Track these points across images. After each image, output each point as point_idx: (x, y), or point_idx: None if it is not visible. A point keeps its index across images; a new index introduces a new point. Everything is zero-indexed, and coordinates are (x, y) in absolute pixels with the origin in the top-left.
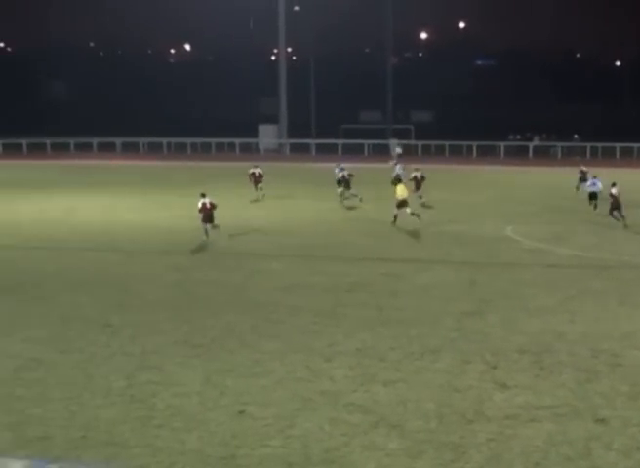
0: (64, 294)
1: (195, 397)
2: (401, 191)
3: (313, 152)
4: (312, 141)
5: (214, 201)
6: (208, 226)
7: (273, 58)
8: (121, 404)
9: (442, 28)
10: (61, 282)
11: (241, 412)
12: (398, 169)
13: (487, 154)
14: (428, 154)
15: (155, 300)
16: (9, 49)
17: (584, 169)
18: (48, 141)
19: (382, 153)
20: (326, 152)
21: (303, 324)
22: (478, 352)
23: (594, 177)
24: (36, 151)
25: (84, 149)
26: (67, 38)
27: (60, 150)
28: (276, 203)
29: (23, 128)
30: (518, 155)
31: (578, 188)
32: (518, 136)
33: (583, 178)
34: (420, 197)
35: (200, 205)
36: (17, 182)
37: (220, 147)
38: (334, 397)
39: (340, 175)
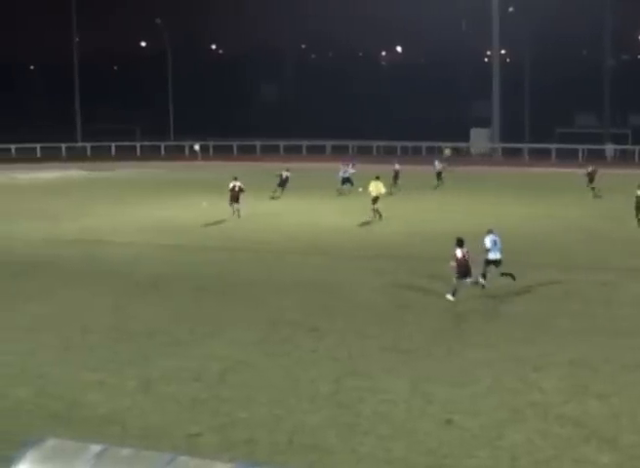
0: (272, 297)
1: (402, 404)
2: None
3: (526, 157)
4: (525, 146)
5: (243, 185)
6: (235, 206)
7: (486, 60)
8: (327, 409)
9: None
10: (269, 285)
11: (448, 422)
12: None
13: None
14: None
15: (361, 304)
16: (220, 51)
17: None
18: (258, 143)
19: (595, 157)
20: (540, 157)
21: (513, 332)
22: None
23: None
24: (246, 153)
25: (293, 151)
26: (278, 40)
27: (270, 152)
28: (481, 208)
29: (235, 130)
30: None
31: None
32: None
33: None
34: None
35: (231, 186)
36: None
37: (431, 151)
38: (544, 408)
39: (346, 174)
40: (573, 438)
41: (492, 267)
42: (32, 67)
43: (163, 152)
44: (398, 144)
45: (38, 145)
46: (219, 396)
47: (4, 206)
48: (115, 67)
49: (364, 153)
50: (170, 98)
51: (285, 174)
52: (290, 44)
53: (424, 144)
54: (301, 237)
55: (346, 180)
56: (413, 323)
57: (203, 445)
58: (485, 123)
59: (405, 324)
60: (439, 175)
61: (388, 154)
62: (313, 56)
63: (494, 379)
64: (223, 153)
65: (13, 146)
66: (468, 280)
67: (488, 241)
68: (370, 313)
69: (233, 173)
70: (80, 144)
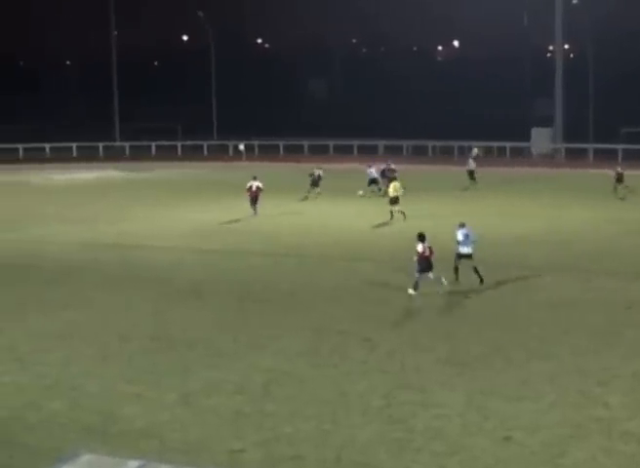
0: (319, 305)
1: (457, 419)
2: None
3: (591, 158)
4: (590, 146)
5: (261, 185)
6: (254, 206)
7: (549, 55)
8: (378, 424)
9: None
10: (315, 292)
11: (506, 438)
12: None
13: None
14: None
15: (414, 313)
16: (266, 45)
17: None
18: (306, 143)
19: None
20: (605, 158)
21: (576, 344)
22: None
23: None
24: (293, 153)
25: (343, 151)
26: (328, 34)
27: (319, 153)
28: (539, 211)
29: (282, 129)
30: None
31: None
32: None
33: None
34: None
35: (248, 186)
36: (273, 186)
37: (489, 151)
38: (608, 424)
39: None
40: (637, 455)
41: (463, 261)
42: (68, 63)
43: (206, 152)
44: (455, 144)
45: (74, 144)
46: (262, 409)
47: (39, 208)
48: (155, 63)
49: (419, 154)
50: (213, 95)
51: (317, 172)
52: (340, 38)
53: (483, 144)
54: (348, 241)
55: (373, 182)
56: (469, 333)
57: (246, 461)
58: (547, 122)
59: (461, 334)
60: (471, 173)
61: (444, 154)
62: (364, 50)
63: (555, 393)
64: (269, 153)
65: (47, 145)
66: (430, 275)
67: (460, 235)
68: (423, 322)
69: (277, 173)
70: (118, 144)
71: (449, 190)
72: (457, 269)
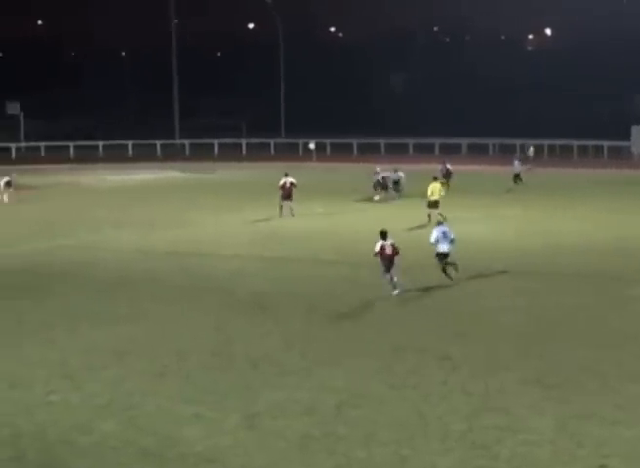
0: (396, 320)
1: (547, 446)
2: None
3: None
4: None
5: (294, 181)
6: (286, 203)
7: None
8: (460, 450)
9: None
10: (392, 305)
11: (602, 467)
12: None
13: None
14: None
15: (500, 329)
16: (340, 35)
17: None
18: (382, 142)
19: None
20: None
21: None
22: None
23: None
24: (368, 153)
25: (424, 151)
26: (406, 22)
27: (396, 152)
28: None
29: (356, 126)
30: None
31: None
32: None
33: None
34: None
35: (281, 183)
36: (341, 188)
37: (582, 151)
38: None
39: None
40: None
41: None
42: (123, 53)
43: (272, 151)
44: (546, 143)
45: (129, 143)
46: (334, 433)
47: (91, 212)
48: (218, 53)
49: (507, 152)
50: (282, 89)
51: (393, 175)
52: (420, 26)
53: (575, 143)
54: (428, 248)
55: (379, 185)
56: (559, 351)
57: None
58: None
59: (550, 353)
60: (517, 176)
61: (538, 155)
62: (447, 39)
63: None
64: (342, 152)
65: (100, 143)
66: (388, 276)
67: (436, 233)
68: (509, 340)
69: (350, 174)
70: (178, 142)
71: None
72: (444, 270)
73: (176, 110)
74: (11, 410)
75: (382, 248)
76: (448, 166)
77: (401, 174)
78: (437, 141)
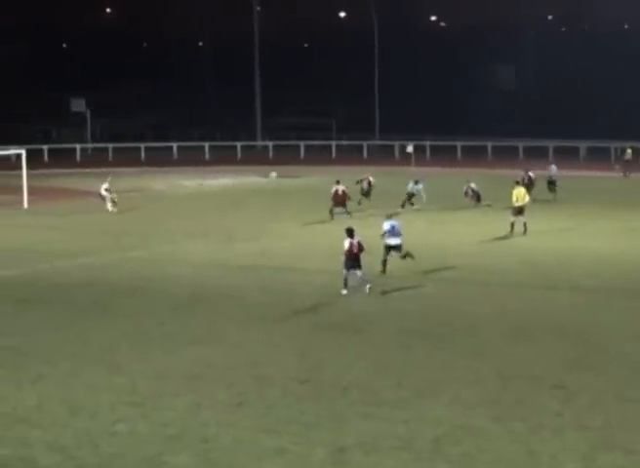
0: (504, 345)
1: None
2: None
3: None
4: None
5: (347, 189)
6: (338, 209)
7: None
8: None
9: None
10: (501, 328)
11: None
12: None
13: None
14: None
15: (622, 356)
16: (442, 24)
17: None
18: (489, 144)
19: None
20: None
21: None
22: None
23: None
24: (474, 156)
25: (536, 154)
26: (516, 10)
27: (506, 156)
28: None
29: (460, 127)
30: None
31: None
32: None
33: None
34: None
35: (333, 190)
36: (449, 194)
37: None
38: None
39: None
40: None
41: (393, 253)
42: (200, 44)
43: (365, 154)
44: None
45: (206, 144)
46: None
47: (164, 220)
48: (306, 45)
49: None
50: (376, 85)
51: (471, 186)
52: (532, 14)
53: None
54: (544, 264)
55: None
56: None
57: None
58: None
59: None
60: (552, 183)
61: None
62: (563, 29)
63: None
64: (444, 156)
65: (174, 144)
66: (358, 273)
67: (387, 225)
68: (632, 366)
69: (451, 180)
70: (260, 143)
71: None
72: (384, 263)
73: (258, 108)
74: (73, 441)
75: (350, 245)
76: (531, 174)
77: (474, 185)
78: (551, 144)
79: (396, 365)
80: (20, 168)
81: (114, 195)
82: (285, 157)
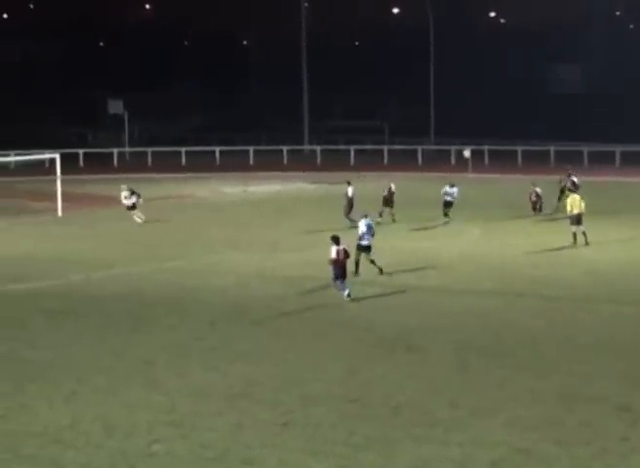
0: (563, 361)
1: None
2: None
3: None
4: None
5: (350, 193)
6: (349, 216)
7: None
8: None
9: None
10: (562, 345)
11: None
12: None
13: None
14: None
15: None
16: (502, 20)
17: None
18: (552, 148)
19: None
20: None
21: None
22: None
23: None
24: (536, 162)
25: (604, 159)
26: (582, 6)
27: (572, 161)
28: None
29: (520, 130)
30: None
31: None
32: None
33: None
34: None
35: (345, 192)
36: (499, 203)
37: None
38: None
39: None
40: None
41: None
42: (245, 42)
43: (420, 160)
44: None
45: (251, 148)
46: None
47: (205, 229)
48: (356, 43)
49: None
50: (431, 85)
51: (536, 190)
52: (598, 10)
53: None
54: (607, 275)
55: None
56: None
57: None
58: None
59: None
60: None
61: None
62: (631, 26)
63: None
64: (504, 161)
65: (217, 149)
66: (339, 282)
67: (362, 226)
68: None
69: (511, 187)
70: (307, 147)
71: None
72: (357, 264)
73: (305, 110)
74: (108, 462)
75: (337, 253)
76: (574, 179)
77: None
78: (617, 149)
79: (450, 382)
80: (54, 173)
81: (133, 200)
82: (333, 162)
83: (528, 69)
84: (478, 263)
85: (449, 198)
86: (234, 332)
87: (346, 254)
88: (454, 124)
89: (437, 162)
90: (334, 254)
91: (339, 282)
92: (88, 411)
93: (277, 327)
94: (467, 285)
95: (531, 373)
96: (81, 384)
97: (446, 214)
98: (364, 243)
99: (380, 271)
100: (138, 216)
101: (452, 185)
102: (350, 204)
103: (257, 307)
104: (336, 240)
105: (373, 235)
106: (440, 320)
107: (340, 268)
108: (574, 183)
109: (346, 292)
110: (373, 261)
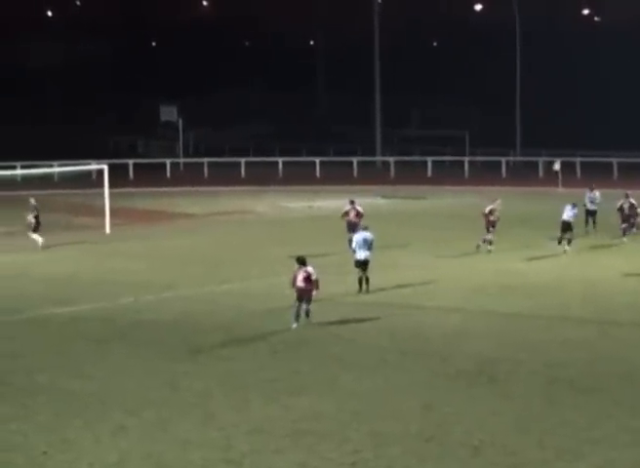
0: None
1: None
2: None
3: None
4: None
5: (361, 210)
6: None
7: None
8: None
9: None
10: None
11: None
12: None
13: None
14: None
15: None
16: (597, 18)
17: None
18: (615, 161)
19: None
20: None
21: None
22: None
23: None
24: (635, 174)
25: None
26: None
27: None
28: None
29: (615, 139)
30: None
31: None
32: None
33: None
34: None
35: (345, 211)
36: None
37: None
38: None
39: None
40: None
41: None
42: (312, 43)
43: (504, 172)
44: None
45: (317, 159)
46: None
47: (267, 248)
48: (435, 43)
49: None
50: (517, 90)
51: (631, 201)
52: None
53: None
54: None
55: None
56: None
57: None
58: None
59: None
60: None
61: None
62: None
63: None
64: (598, 175)
65: (280, 160)
66: (304, 306)
67: (360, 238)
68: None
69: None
70: (380, 159)
71: None
72: (360, 280)
73: (377, 117)
74: None
75: (295, 276)
76: (632, 201)
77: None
78: None
79: (537, 420)
80: (102, 186)
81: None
82: (408, 175)
83: (625, 73)
84: (569, 287)
85: (593, 206)
86: (298, 363)
87: (309, 279)
88: (542, 133)
89: (523, 175)
90: (300, 277)
91: (302, 305)
92: (137, 448)
93: (345, 356)
94: (557, 311)
95: (627, 411)
96: (129, 418)
97: (568, 242)
98: (360, 257)
99: (360, 291)
100: (36, 238)
101: (574, 205)
102: None
103: (323, 335)
104: (301, 261)
105: (370, 249)
106: (526, 350)
107: (301, 290)
108: (632, 205)
109: (294, 325)
110: (367, 279)
